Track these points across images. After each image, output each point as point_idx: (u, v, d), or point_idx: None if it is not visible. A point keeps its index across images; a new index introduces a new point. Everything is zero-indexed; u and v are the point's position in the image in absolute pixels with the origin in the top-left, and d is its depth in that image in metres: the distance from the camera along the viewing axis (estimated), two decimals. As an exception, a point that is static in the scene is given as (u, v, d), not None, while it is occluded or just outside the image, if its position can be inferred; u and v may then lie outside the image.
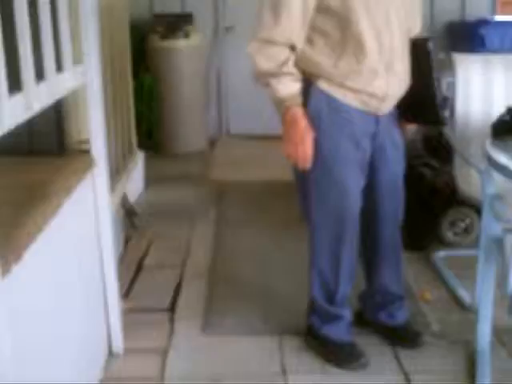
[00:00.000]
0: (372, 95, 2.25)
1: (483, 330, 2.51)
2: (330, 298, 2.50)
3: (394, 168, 2.48)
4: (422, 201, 3.47)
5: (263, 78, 2.18)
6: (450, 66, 3.35)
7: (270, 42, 2.15)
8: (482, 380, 2.37)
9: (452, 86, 3.19)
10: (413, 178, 3.49)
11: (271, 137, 5.05)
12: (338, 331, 2.54)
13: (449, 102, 3.27)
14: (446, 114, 3.44)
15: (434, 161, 3.65)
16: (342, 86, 2.22)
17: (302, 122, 2.19)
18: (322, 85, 2.22)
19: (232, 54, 5.60)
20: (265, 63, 2.15)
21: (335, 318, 2.53)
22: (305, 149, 2.21)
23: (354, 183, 2.35)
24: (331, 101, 2.23)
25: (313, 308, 2.56)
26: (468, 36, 4.62)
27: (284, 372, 2.46)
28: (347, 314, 2.55)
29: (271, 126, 5.10)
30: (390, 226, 2.53)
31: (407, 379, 2.42)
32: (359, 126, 2.29)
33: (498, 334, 2.56)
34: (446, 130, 3.14)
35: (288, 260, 3.33)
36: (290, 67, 2.17)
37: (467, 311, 2.86)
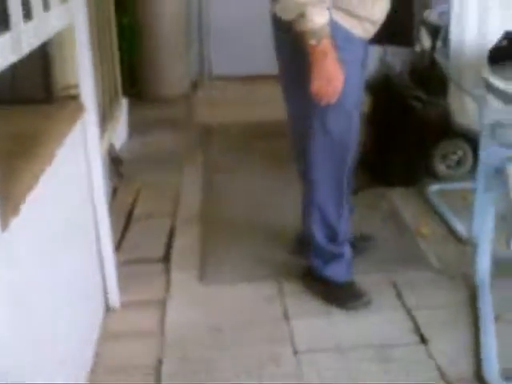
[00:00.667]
0: (371, 21, 2.22)
1: (483, 262, 2.51)
2: (333, 235, 2.46)
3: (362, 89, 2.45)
4: (413, 134, 3.42)
5: (299, 8, 2.05)
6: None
7: None
8: (485, 312, 2.37)
9: (444, 16, 3.10)
10: (403, 111, 3.44)
11: (255, 77, 4.98)
12: (340, 270, 2.51)
13: (442, 31, 3.19)
14: (438, 43, 3.39)
15: (423, 93, 3.57)
16: (350, 14, 2.17)
17: (334, 54, 2.11)
18: (334, 15, 2.15)
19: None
20: None
21: (337, 257, 2.50)
22: (338, 81, 2.14)
23: (357, 109, 2.32)
24: (343, 30, 2.18)
25: (313, 249, 2.51)
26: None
27: (286, 317, 2.43)
28: (348, 251, 2.52)
29: (255, 66, 5.04)
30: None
31: (410, 315, 2.41)
32: (361, 54, 2.29)
33: (497, 264, 2.53)
34: (440, 60, 3.06)
35: (281, 201, 3.27)
36: None
37: (464, 244, 2.85)
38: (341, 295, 2.49)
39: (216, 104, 4.96)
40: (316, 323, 2.40)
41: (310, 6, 2.03)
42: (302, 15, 2.05)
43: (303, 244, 2.59)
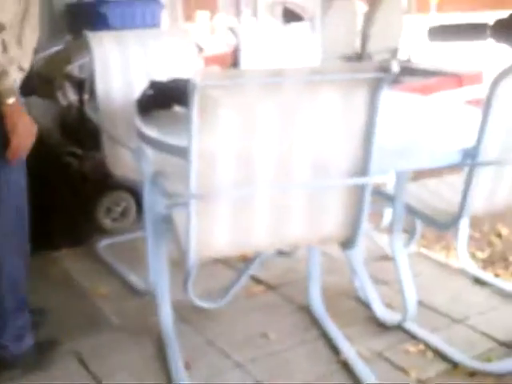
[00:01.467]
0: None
1: (165, 311, 2.46)
2: (23, 304, 2.28)
3: None
4: (74, 192, 3.30)
5: (1, 66, 1.92)
6: (80, 48, 3.20)
7: None
8: (174, 362, 2.32)
9: (86, 68, 3.06)
10: (59, 169, 3.30)
11: None
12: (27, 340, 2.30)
13: (86, 83, 3.14)
14: (85, 96, 3.33)
15: (77, 148, 3.48)
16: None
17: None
18: None
19: None
20: None
21: (25, 327, 2.30)
22: (34, 134, 2.08)
23: None
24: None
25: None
26: (89, 16, 4.50)
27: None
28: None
29: None
30: None
31: (101, 384, 2.25)
32: None
33: (177, 311, 2.52)
34: (89, 113, 2.99)
35: None
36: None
37: (144, 297, 2.77)
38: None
39: None
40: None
41: (11, 64, 1.96)
42: (4, 73, 1.93)
43: None
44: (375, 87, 1.81)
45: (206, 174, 1.81)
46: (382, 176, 1.97)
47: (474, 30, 3.40)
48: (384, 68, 1.76)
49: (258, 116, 1.79)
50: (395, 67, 1.73)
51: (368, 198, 1.98)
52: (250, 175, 1.85)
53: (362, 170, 1.93)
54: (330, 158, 1.90)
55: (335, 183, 1.94)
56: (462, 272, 2.99)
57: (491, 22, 3.33)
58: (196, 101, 1.70)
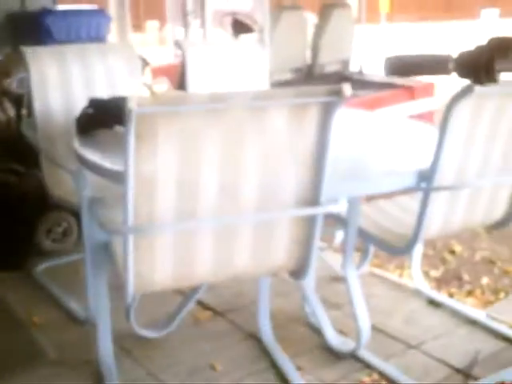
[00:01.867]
0: None
1: (105, 342, 2.30)
2: None
3: None
4: (13, 211, 3.11)
5: None
6: (20, 61, 3.03)
7: None
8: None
9: (25, 82, 2.89)
10: (-2, 187, 3.12)
11: None
12: None
13: (25, 99, 2.98)
14: (24, 111, 3.16)
15: (18, 165, 3.30)
16: None
17: None
18: None
19: None
20: None
21: None
22: None
23: None
24: None
25: None
26: (32, 27, 4.33)
27: None
28: None
29: None
30: None
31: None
32: None
33: (119, 341, 2.37)
34: (25, 131, 2.82)
35: None
36: None
37: (84, 325, 2.61)
38: None
39: None
40: None
41: None
42: None
43: None
44: (326, 111, 1.71)
45: (144, 204, 1.68)
46: (334, 205, 1.85)
47: (435, 64, 3.31)
48: (335, 91, 1.65)
49: (200, 142, 1.67)
50: (347, 91, 1.63)
51: (319, 226, 1.88)
52: (192, 204, 1.72)
53: (313, 197, 1.82)
54: (279, 185, 1.78)
55: (284, 214, 1.82)
56: (416, 293, 2.91)
57: (454, 55, 3.25)
58: (132, 127, 1.57)
